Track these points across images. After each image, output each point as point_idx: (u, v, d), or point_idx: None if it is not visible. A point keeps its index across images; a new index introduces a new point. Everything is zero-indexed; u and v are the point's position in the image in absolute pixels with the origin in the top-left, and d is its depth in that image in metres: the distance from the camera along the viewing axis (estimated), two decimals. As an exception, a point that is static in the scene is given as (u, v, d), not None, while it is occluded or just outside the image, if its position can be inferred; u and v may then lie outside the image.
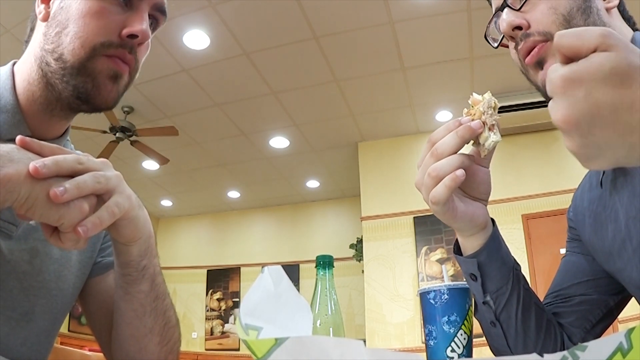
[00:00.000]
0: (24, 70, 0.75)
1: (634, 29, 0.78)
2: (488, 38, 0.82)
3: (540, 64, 0.74)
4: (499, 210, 4.67)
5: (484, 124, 0.64)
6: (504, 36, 0.79)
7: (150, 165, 5.99)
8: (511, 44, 0.78)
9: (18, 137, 0.54)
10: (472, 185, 0.72)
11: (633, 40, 0.74)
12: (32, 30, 0.79)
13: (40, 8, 0.75)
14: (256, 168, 6.24)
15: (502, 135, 0.65)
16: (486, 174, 0.73)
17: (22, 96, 0.74)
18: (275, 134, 5.42)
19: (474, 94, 0.67)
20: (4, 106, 0.72)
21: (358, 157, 5.59)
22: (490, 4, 0.83)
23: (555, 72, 0.44)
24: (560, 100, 0.43)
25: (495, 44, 0.81)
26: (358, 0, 3.50)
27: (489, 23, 0.81)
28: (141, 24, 0.72)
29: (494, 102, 0.64)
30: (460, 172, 0.63)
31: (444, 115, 4.97)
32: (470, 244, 0.75)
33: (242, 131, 5.31)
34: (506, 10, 0.76)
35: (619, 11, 0.77)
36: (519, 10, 0.74)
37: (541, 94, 0.76)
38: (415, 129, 5.23)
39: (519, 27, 0.74)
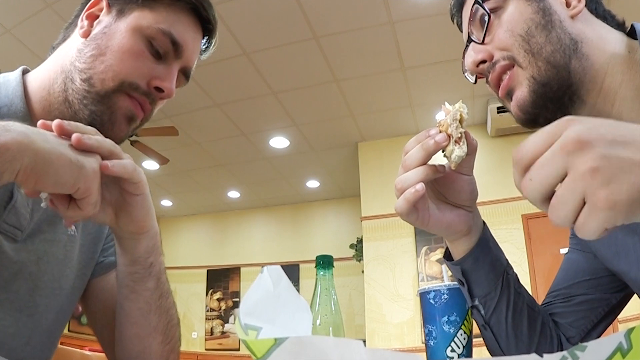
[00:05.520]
0: (45, 80, 0.75)
1: (614, 24, 0.74)
2: (466, 74, 0.80)
3: (509, 95, 0.72)
4: (499, 210, 4.66)
5: (449, 136, 0.62)
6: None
7: (150, 165, 5.99)
8: (483, 79, 0.76)
9: (55, 122, 0.54)
10: (452, 192, 0.70)
11: (632, 30, 0.71)
12: (64, 39, 0.79)
13: (84, 23, 0.76)
14: (256, 168, 6.24)
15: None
16: (466, 181, 0.70)
17: (37, 105, 0.74)
18: (275, 134, 5.42)
19: (446, 103, 0.65)
20: (14, 113, 0.71)
21: (358, 157, 5.60)
22: (461, 31, 0.82)
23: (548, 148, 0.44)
24: (566, 132, 0.43)
25: (473, 79, 0.79)
26: (358, 0, 3.50)
27: (463, 58, 0.78)
28: (171, 82, 0.76)
29: (460, 115, 0.62)
30: (420, 187, 0.63)
31: (443, 116, 4.95)
32: (456, 249, 0.75)
33: (242, 131, 5.31)
34: (470, 46, 0.75)
35: (591, 11, 0.73)
36: (482, 43, 0.73)
37: (516, 121, 0.74)
38: (415, 129, 5.23)
39: (484, 61, 0.73)
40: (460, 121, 0.63)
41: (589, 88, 0.70)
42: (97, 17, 0.76)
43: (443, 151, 0.64)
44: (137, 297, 0.71)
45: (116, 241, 0.69)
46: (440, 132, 0.64)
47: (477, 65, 0.74)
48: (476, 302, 0.74)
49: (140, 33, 0.74)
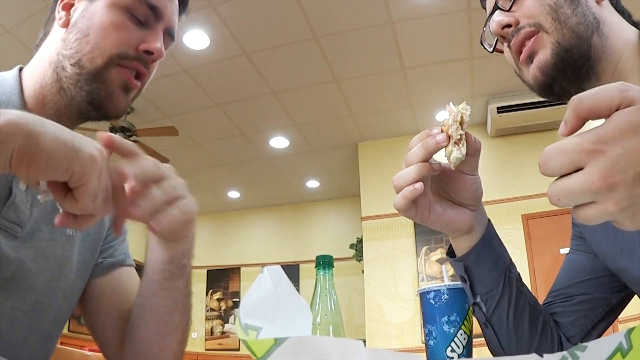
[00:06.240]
0: (36, 74, 0.77)
1: (631, 21, 0.78)
2: (484, 43, 0.83)
3: (531, 58, 0.75)
4: (499, 210, 4.66)
5: (449, 137, 0.63)
6: (497, 40, 0.79)
7: (150, 165, 5.99)
8: (505, 45, 0.79)
9: (104, 135, 0.54)
10: (455, 191, 0.71)
11: None
12: (45, 35, 0.80)
13: (61, 14, 0.77)
14: (256, 168, 6.24)
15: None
16: (469, 181, 0.70)
17: (31, 100, 0.76)
18: (275, 134, 5.42)
19: (450, 103, 0.65)
20: (12, 109, 0.72)
21: (358, 157, 5.59)
22: (485, 9, 0.84)
23: (577, 142, 0.41)
24: (595, 163, 0.40)
25: (491, 49, 0.82)
26: (358, 0, 3.50)
27: (484, 28, 0.82)
28: (157, 42, 0.76)
29: (460, 117, 0.63)
30: (418, 185, 0.64)
31: (444, 116, 4.94)
32: (458, 246, 0.76)
33: (242, 131, 5.31)
34: (497, 12, 0.77)
35: (612, 4, 0.77)
36: (508, 10, 0.76)
37: (534, 92, 0.77)
38: (415, 129, 5.23)
39: (509, 25, 0.75)
40: (461, 123, 0.63)
41: (604, 66, 0.73)
42: (72, 5, 0.77)
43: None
44: (166, 294, 0.72)
45: (154, 240, 0.69)
46: (442, 131, 0.64)
47: (502, 28, 0.76)
48: (478, 300, 0.75)
49: (117, 6, 0.75)
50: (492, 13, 0.78)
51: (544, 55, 0.73)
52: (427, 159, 0.65)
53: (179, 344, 0.75)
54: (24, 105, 0.74)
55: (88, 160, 0.48)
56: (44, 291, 0.74)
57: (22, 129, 0.45)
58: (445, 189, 0.72)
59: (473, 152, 0.66)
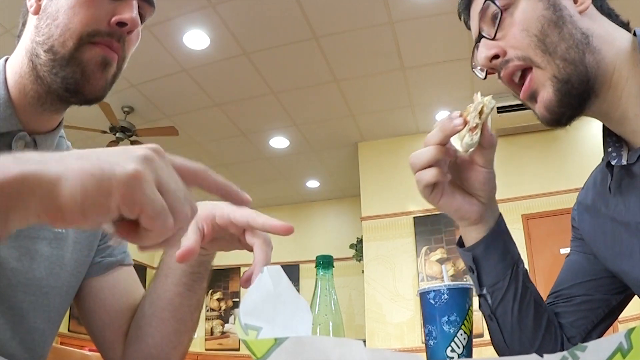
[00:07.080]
0: (16, 64, 0.76)
1: (618, 22, 0.75)
2: (475, 70, 0.81)
3: (533, 97, 0.74)
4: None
5: (465, 122, 0.66)
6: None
7: (150, 165, 5.99)
8: (493, 75, 0.78)
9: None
10: (468, 180, 0.74)
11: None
12: (23, 25, 0.80)
13: (31, 2, 0.76)
14: (256, 168, 6.24)
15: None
16: (482, 173, 0.73)
17: (13, 90, 0.74)
18: (275, 134, 5.41)
19: (478, 93, 0.68)
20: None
21: (358, 157, 5.59)
22: (471, 32, 0.83)
23: None
24: None
25: (483, 75, 0.80)
26: (358, 0, 3.50)
27: (472, 55, 0.80)
28: (131, 12, 0.72)
29: (482, 107, 0.65)
30: (450, 176, 0.69)
31: (444, 115, 4.95)
32: (467, 236, 0.78)
33: (242, 131, 5.31)
34: (481, 42, 0.75)
35: (597, 7, 0.75)
36: (493, 39, 0.74)
37: (538, 119, 0.76)
38: (415, 129, 5.23)
39: (496, 56, 0.74)
40: (480, 112, 0.66)
41: (602, 81, 0.71)
42: None
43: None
44: (192, 295, 0.74)
45: None
46: (462, 116, 0.67)
47: (490, 61, 0.75)
48: (484, 291, 0.76)
49: None
50: (478, 40, 0.77)
51: (547, 94, 0.71)
52: (444, 141, 0.68)
53: (189, 342, 0.76)
54: (7, 96, 0.73)
55: (127, 180, 0.36)
56: (31, 290, 0.73)
57: (34, 182, 0.33)
58: (460, 176, 0.74)
59: (488, 145, 0.69)
